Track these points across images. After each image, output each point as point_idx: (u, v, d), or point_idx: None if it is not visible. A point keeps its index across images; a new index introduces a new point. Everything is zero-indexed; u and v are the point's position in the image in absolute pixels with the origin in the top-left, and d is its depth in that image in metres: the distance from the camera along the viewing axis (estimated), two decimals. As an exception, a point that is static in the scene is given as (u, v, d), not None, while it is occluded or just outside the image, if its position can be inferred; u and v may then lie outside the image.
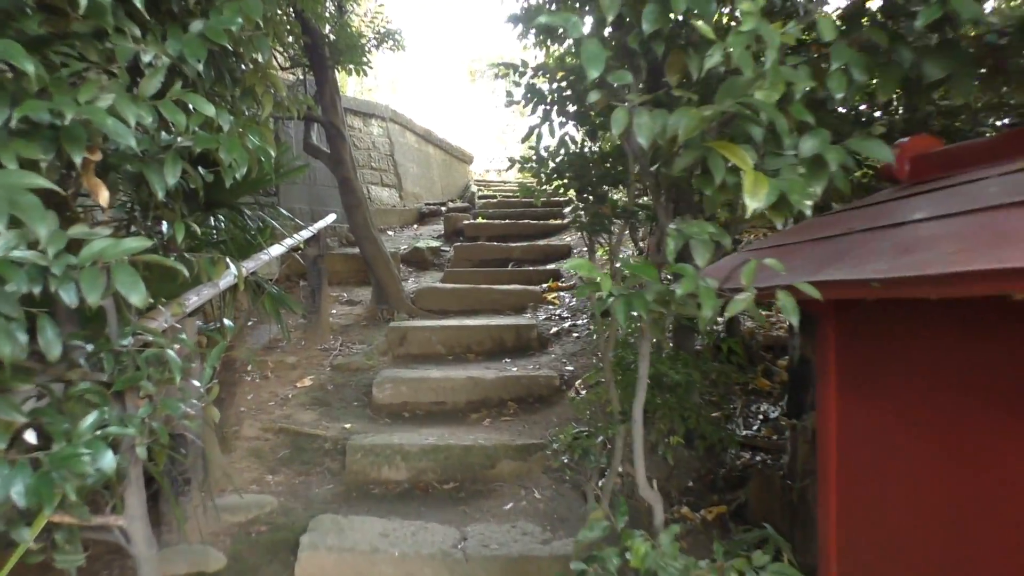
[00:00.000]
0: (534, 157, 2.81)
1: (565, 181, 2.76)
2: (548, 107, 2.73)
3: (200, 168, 1.91)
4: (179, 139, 1.53)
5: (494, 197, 9.75)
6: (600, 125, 2.61)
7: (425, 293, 5.46)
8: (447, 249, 7.35)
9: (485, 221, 7.90)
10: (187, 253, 2.94)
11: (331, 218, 5.41)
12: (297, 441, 3.36)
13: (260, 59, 2.06)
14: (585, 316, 4.92)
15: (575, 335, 4.62)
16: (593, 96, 1.42)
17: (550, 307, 5.28)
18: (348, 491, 3.01)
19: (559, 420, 3.48)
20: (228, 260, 2.13)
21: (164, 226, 2.46)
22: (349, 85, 17.28)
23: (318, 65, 4.98)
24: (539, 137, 2.92)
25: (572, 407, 3.54)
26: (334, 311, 5.38)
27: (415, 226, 8.66)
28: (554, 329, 4.73)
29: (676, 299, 1.21)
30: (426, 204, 9.36)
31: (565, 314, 5.05)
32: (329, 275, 6.11)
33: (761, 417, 3.20)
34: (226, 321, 3.15)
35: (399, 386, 3.80)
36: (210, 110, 1.50)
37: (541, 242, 7.22)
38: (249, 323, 4.85)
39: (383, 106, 9.02)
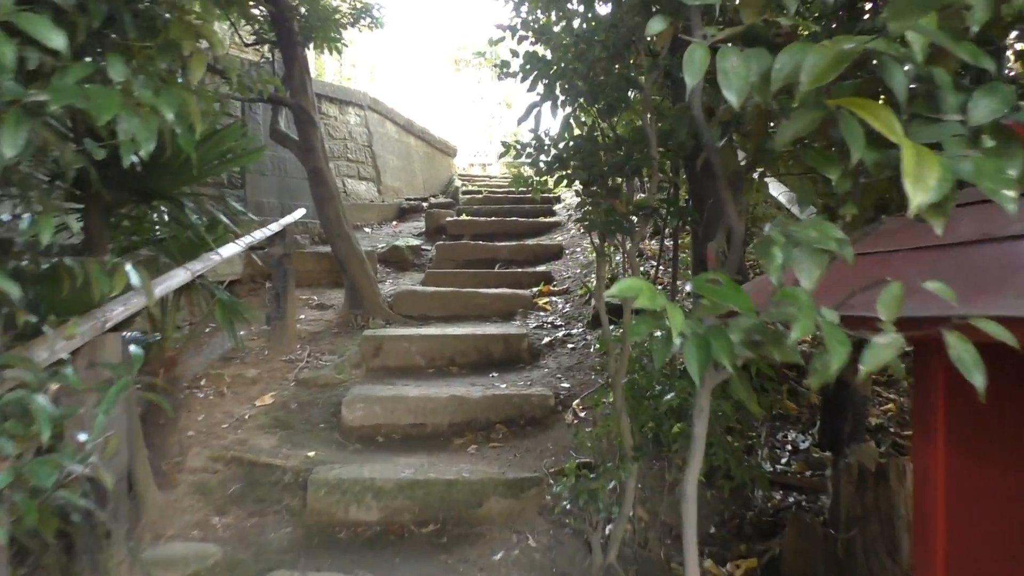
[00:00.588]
0: (532, 143, 2.41)
1: (569, 171, 2.37)
2: (550, 81, 2.34)
3: (108, 151, 1.49)
4: (29, 93, 1.09)
5: (479, 193, 9.34)
6: (618, 100, 2.22)
7: (404, 297, 5.04)
8: (429, 248, 6.93)
9: (470, 218, 7.49)
10: (118, 255, 2.51)
11: (299, 213, 4.97)
12: (252, 473, 2.93)
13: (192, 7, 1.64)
14: (580, 324, 4.54)
15: (570, 346, 4.24)
16: (656, 26, 1.02)
17: (541, 313, 4.89)
18: (309, 535, 2.59)
19: (555, 448, 3.09)
20: (130, 269, 1.69)
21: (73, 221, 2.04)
22: (327, 71, 16.80)
23: (286, 41, 4.54)
24: (538, 118, 2.53)
25: (570, 433, 3.15)
26: (302, 316, 4.95)
27: (394, 223, 8.22)
28: (547, 339, 4.35)
29: (787, 344, 0.81)
30: (407, 199, 8.92)
31: (558, 321, 4.66)
32: (298, 276, 5.68)
33: (790, 448, 2.84)
34: (156, 335, 2.73)
35: (372, 405, 3.39)
36: (56, 40, 1.07)
37: (530, 241, 6.83)
38: (207, 329, 4.41)
39: (361, 93, 8.57)
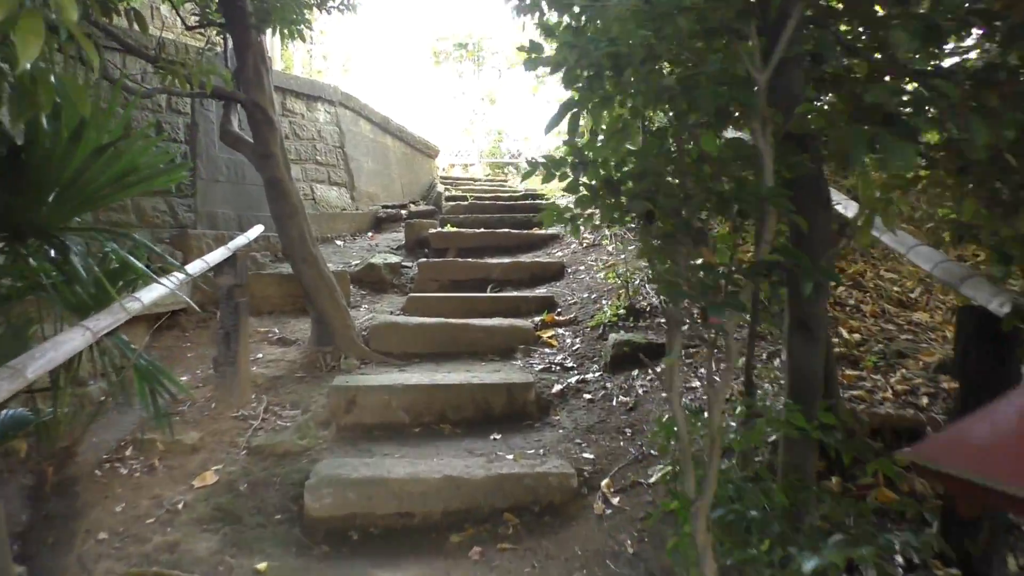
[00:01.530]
0: (571, 159, 1.77)
1: (623, 200, 1.73)
2: (597, 70, 1.71)
3: None
4: None
5: (464, 198, 8.68)
6: (730, 101, 1.58)
7: (383, 330, 4.36)
8: (409, 265, 6.26)
9: (455, 230, 6.83)
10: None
11: (256, 231, 4.29)
12: (179, 601, 2.25)
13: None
14: (595, 365, 3.90)
15: (586, 396, 3.60)
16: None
17: (547, 351, 4.25)
18: None
19: (585, 552, 2.45)
20: None
21: None
22: (296, 63, 16.05)
23: (236, 24, 3.85)
24: (575, 123, 1.90)
25: (602, 531, 2.51)
26: (259, 356, 4.25)
27: (370, 234, 7.53)
28: (557, 386, 3.70)
29: None
30: (383, 207, 8.23)
31: (569, 362, 4.02)
32: (258, 302, 4.98)
33: (902, 562, 2.22)
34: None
35: (344, 491, 2.71)
36: None
37: (526, 258, 6.19)
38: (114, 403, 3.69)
39: (331, 87, 7.86)
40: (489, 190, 9.93)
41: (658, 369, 3.59)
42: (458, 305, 4.98)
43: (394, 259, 6.06)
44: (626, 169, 1.73)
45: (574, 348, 4.20)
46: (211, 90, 3.51)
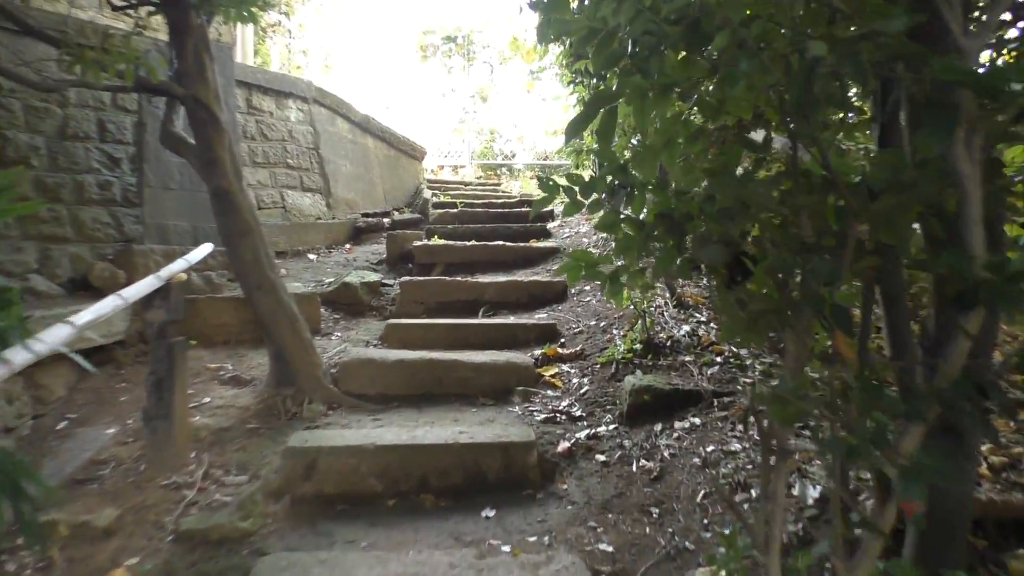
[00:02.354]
0: (610, 180, 1.21)
1: (685, 245, 1.17)
2: (652, 47, 1.16)
3: None
4: None
5: (453, 205, 8.11)
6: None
7: (355, 368, 3.79)
8: (391, 283, 5.68)
9: (443, 243, 6.25)
10: None
11: (201, 252, 3.71)
12: None
13: None
14: (609, 415, 3.34)
15: (599, 456, 3.03)
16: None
17: (550, 393, 3.68)
18: None
19: None
20: None
21: None
22: (274, 59, 15.47)
23: (173, 5, 3.26)
24: (611, 122, 1.36)
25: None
26: (207, 399, 3.66)
27: (348, 246, 6.94)
28: (564, 443, 3.13)
29: None
30: (363, 215, 7.65)
31: (576, 409, 3.45)
32: (211, 330, 4.41)
33: None
34: None
35: (291, 604, 2.13)
36: None
37: (522, 276, 5.61)
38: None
39: (304, 82, 7.28)
40: (481, 195, 9.36)
41: (687, 425, 3.03)
42: (445, 334, 4.41)
43: (373, 277, 5.47)
44: (695, 195, 1.16)
45: (582, 391, 3.63)
46: (132, 81, 2.93)
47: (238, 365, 4.14)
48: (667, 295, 4.35)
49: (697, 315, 4.05)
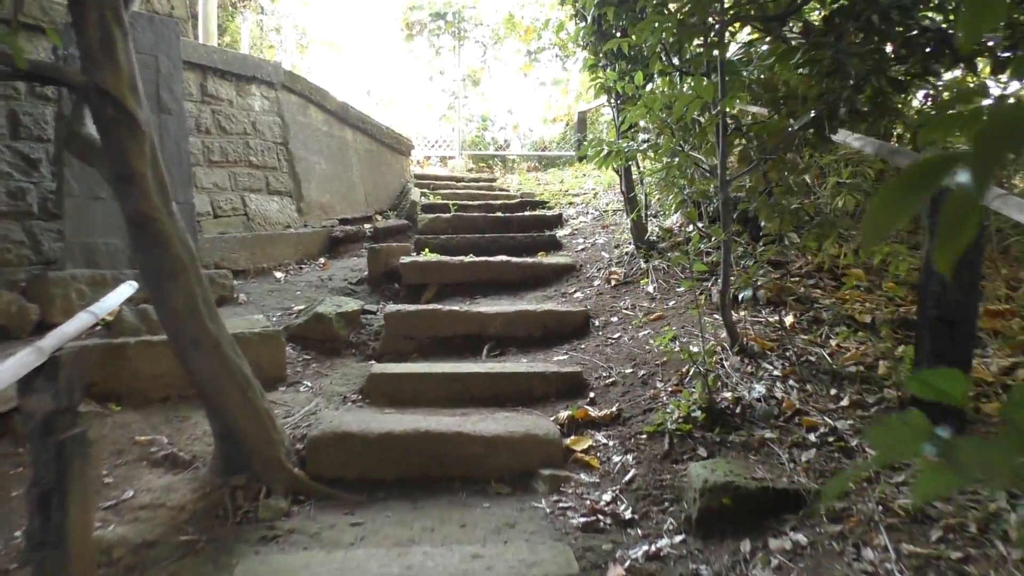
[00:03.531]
0: None
1: None
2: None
3: None
4: None
5: (445, 208, 7.30)
6: None
7: (328, 445, 3.01)
8: (374, 311, 4.89)
9: (436, 258, 5.45)
10: None
11: (115, 298, 2.91)
12: None
13: None
14: (672, 519, 2.57)
15: (667, 589, 2.26)
16: None
17: (584, 477, 2.92)
18: None
19: None
20: None
21: None
22: (244, 39, 14.57)
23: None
24: None
25: None
26: (128, 493, 2.86)
27: (322, 260, 6.13)
28: (617, 570, 2.35)
29: None
30: (340, 221, 6.84)
31: (623, 506, 2.69)
32: (145, 384, 3.64)
33: None
34: None
35: None
36: None
37: (532, 301, 4.85)
38: None
39: (271, 65, 6.44)
40: (476, 194, 8.55)
41: (788, 546, 2.27)
42: (443, 386, 3.64)
43: (352, 304, 4.67)
44: None
45: (628, 477, 2.86)
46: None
47: (177, 435, 3.33)
48: (724, 335, 3.59)
49: (768, 366, 3.29)
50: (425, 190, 8.59)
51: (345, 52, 16.11)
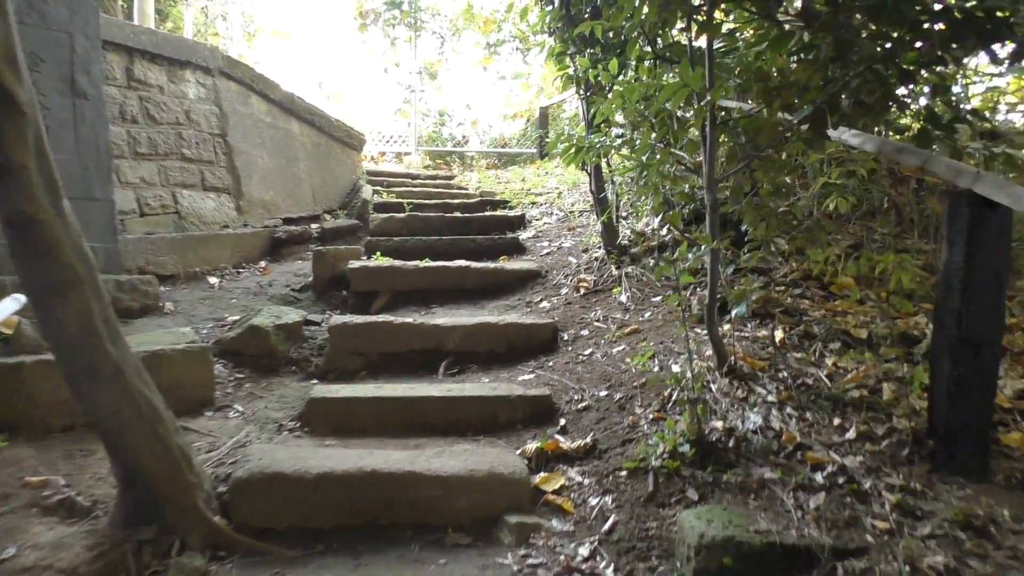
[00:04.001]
0: None
1: None
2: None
3: None
4: None
5: (400, 207, 6.88)
6: None
7: (256, 487, 2.59)
8: (318, 321, 4.47)
9: (388, 263, 5.04)
10: None
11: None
12: None
13: None
14: (662, 569, 2.23)
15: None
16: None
17: (556, 525, 2.56)
18: None
19: None
20: None
21: None
22: (187, 26, 13.89)
23: None
24: None
25: None
26: (9, 552, 2.39)
27: (263, 264, 5.66)
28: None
29: None
30: (284, 220, 6.37)
31: (603, 563, 2.33)
32: (43, 411, 3.17)
33: None
34: None
35: None
36: None
37: (495, 311, 4.49)
38: None
39: (207, 48, 5.94)
40: (433, 192, 8.15)
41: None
42: (394, 412, 3.25)
43: (293, 316, 4.23)
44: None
45: (607, 525, 2.51)
46: None
47: (78, 474, 2.86)
48: (709, 353, 3.27)
49: (761, 390, 2.97)
50: (379, 188, 8.14)
51: (296, 42, 15.53)
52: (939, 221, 4.22)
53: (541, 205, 7.24)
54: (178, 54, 5.57)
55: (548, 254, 5.47)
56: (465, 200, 7.46)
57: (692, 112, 3.18)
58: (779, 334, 3.52)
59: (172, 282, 4.94)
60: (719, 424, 2.80)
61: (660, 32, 3.19)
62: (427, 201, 7.29)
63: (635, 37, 3.20)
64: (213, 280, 5.12)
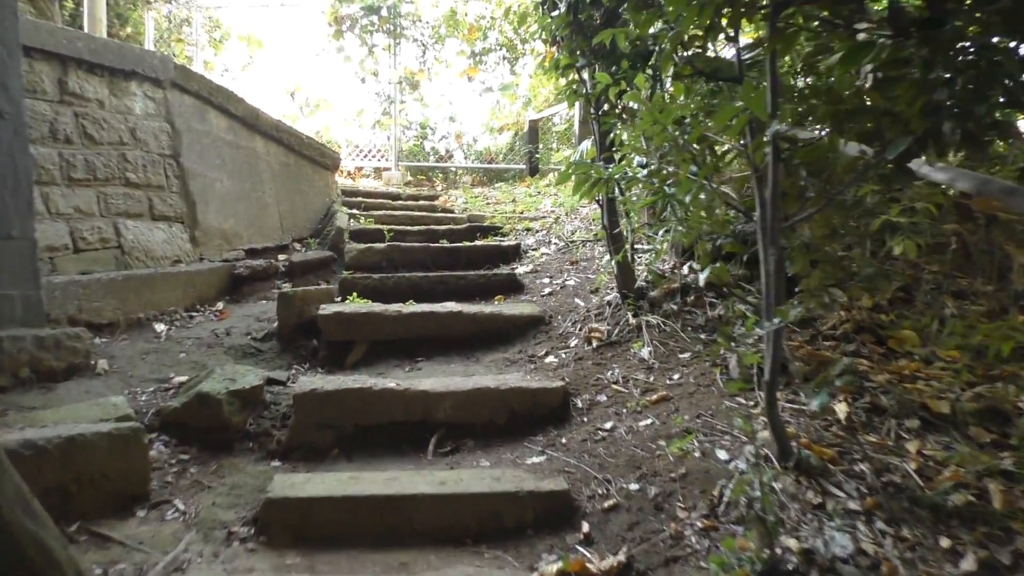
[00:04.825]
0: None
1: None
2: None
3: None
4: None
5: (379, 235, 6.31)
6: None
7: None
8: (283, 382, 3.87)
9: (366, 306, 4.46)
10: None
11: None
12: None
13: None
14: None
15: None
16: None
17: None
18: None
19: None
20: None
21: None
22: (148, 33, 13.24)
23: None
24: None
25: None
26: None
27: (220, 306, 5.05)
28: None
29: None
30: (248, 252, 5.76)
31: None
32: None
33: None
34: None
35: None
36: None
37: (494, 371, 3.92)
38: None
39: (157, 57, 5.33)
40: (416, 216, 7.58)
41: None
42: (373, 514, 2.68)
43: (251, 378, 3.62)
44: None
45: None
46: None
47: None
48: (763, 433, 2.71)
49: (838, 492, 2.42)
50: (355, 211, 7.56)
51: (267, 49, 14.91)
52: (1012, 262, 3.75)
53: (537, 232, 6.69)
54: (122, 63, 4.97)
55: (550, 294, 4.91)
56: (452, 226, 6.89)
57: (740, 140, 2.65)
58: (842, 408, 2.98)
59: (110, 332, 4.32)
60: (792, 543, 2.24)
61: (704, 43, 2.66)
62: (410, 228, 6.71)
63: (669, 50, 2.66)
64: (160, 328, 4.49)
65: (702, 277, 2.96)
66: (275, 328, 4.50)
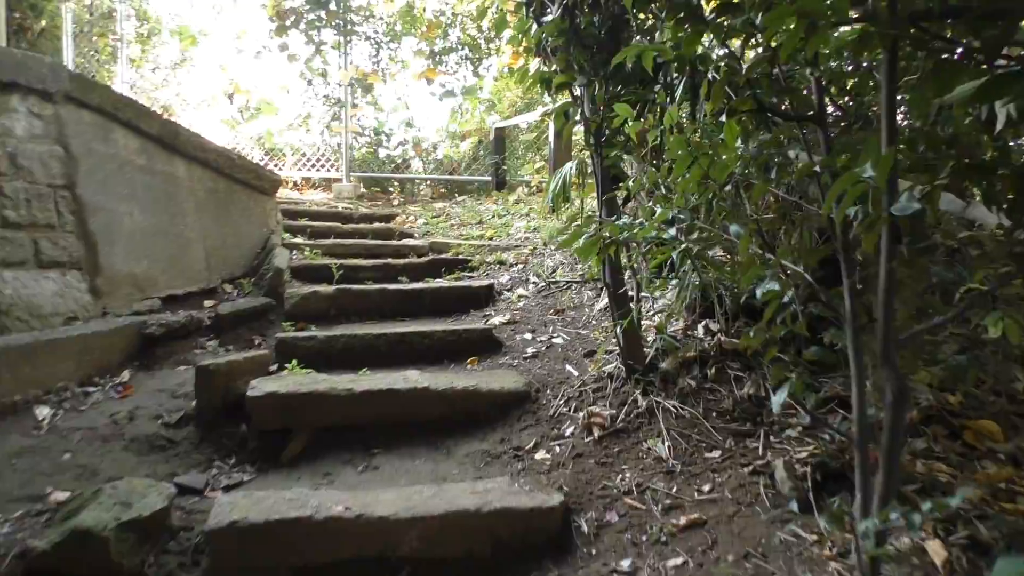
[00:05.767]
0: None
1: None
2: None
3: None
4: None
5: (327, 273, 5.53)
6: None
7: None
8: (199, 491, 3.10)
9: (309, 383, 3.69)
10: None
11: None
12: None
13: None
14: None
15: None
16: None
17: None
18: None
19: None
20: None
21: None
22: (65, 46, 12.20)
23: None
24: None
25: None
26: None
27: (126, 376, 4.22)
28: None
29: None
30: (165, 300, 4.95)
31: None
32: None
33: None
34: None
35: None
36: None
37: (472, 472, 3.21)
38: None
39: (46, 64, 4.48)
40: (371, 245, 6.81)
41: None
42: None
43: (153, 498, 2.82)
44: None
45: None
46: None
47: None
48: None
49: None
50: (299, 238, 6.76)
51: (202, 46, 13.96)
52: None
53: (511, 267, 5.98)
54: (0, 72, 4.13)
55: (534, 356, 4.20)
56: (413, 258, 6.16)
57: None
58: (936, 547, 2.34)
59: (-27, 422, 3.49)
60: None
61: (770, 67, 1.98)
62: (363, 262, 5.95)
63: (723, 78, 1.97)
64: (43, 412, 3.66)
65: (683, 309, 2.29)
66: (193, 409, 3.71)
